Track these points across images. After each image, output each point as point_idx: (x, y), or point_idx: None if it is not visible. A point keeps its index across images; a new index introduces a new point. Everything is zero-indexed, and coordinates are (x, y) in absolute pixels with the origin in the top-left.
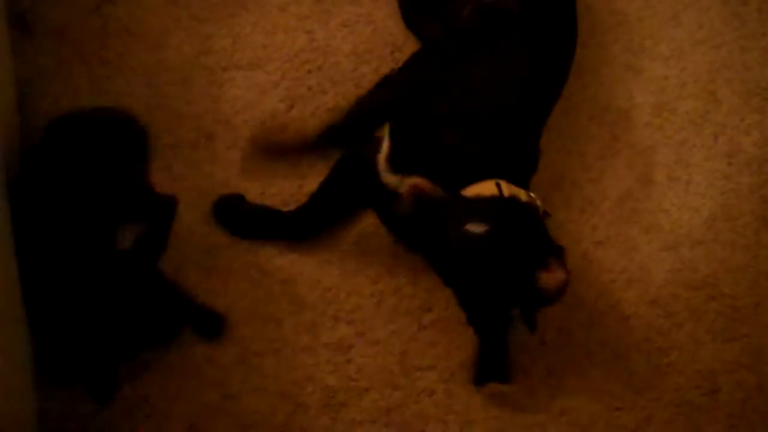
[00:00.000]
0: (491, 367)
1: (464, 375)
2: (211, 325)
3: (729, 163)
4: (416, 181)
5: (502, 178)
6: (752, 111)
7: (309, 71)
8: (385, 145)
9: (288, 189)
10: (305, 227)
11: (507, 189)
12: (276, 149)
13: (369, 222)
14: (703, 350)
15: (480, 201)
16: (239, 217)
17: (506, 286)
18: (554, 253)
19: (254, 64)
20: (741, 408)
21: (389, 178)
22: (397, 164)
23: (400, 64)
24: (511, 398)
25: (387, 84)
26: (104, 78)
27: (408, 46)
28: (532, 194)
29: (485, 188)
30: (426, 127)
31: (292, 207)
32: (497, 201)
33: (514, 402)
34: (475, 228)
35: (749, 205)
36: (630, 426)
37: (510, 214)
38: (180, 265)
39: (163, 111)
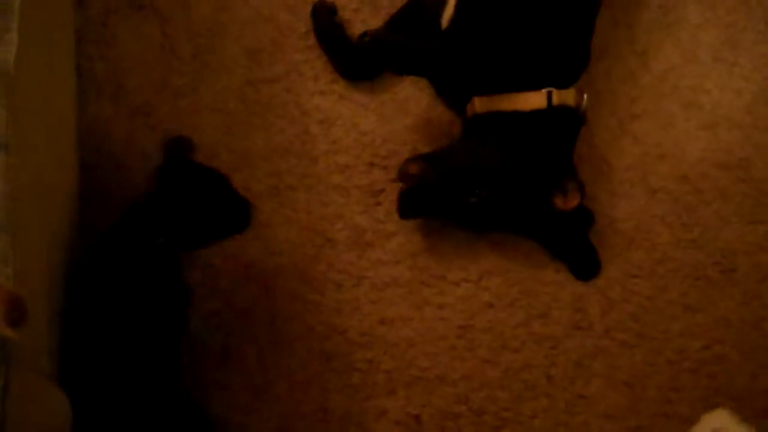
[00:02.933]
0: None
1: None
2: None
3: None
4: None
5: (554, 74)
6: None
7: None
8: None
9: None
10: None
11: (557, 97)
12: None
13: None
14: (727, 230)
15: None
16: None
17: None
18: (571, 176)
19: None
20: (756, 288)
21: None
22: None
23: None
24: (531, 253)
25: None
26: None
27: None
28: (579, 91)
29: (536, 100)
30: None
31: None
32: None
33: (531, 256)
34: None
35: None
36: (645, 293)
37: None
38: (221, 94)
39: None
